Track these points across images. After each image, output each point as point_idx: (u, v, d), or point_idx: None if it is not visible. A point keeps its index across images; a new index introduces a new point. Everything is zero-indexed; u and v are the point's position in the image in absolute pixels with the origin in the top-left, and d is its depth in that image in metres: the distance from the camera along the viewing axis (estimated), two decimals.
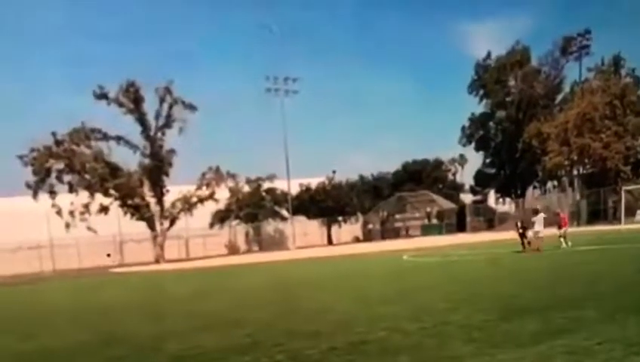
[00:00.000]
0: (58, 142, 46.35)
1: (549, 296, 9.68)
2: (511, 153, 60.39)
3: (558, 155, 48.44)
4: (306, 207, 59.49)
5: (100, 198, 47.03)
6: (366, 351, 6.48)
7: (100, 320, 12.01)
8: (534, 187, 65.83)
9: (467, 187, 70.94)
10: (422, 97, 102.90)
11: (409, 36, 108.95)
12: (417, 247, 32.95)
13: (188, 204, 50.25)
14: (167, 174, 49.86)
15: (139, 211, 48.92)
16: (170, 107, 48.76)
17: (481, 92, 63.72)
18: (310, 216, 60.68)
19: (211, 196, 51.32)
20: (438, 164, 69.61)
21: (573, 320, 7.07)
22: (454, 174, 75.46)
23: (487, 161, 66.23)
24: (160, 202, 49.61)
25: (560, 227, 22.43)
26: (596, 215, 48.58)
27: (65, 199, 46.11)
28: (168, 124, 49.06)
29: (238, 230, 59.49)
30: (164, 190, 49.85)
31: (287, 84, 55.11)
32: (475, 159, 68.53)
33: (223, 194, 53.01)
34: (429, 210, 63.89)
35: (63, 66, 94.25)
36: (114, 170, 47.71)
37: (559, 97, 61.84)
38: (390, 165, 71.32)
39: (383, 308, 9.77)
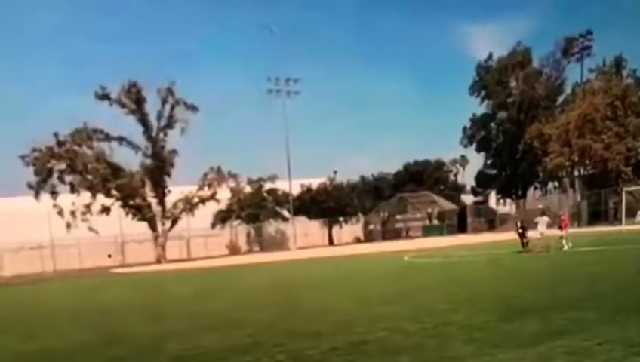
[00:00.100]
0: (60, 143, 46.43)
1: (549, 296, 9.68)
2: (512, 154, 60.35)
3: (559, 156, 48.39)
4: (307, 207, 59.51)
5: (101, 199, 47.10)
6: (367, 352, 6.49)
7: (101, 321, 12.02)
8: (535, 188, 65.79)
9: (468, 188, 70.95)
10: (423, 98, 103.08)
11: (410, 37, 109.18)
12: (418, 248, 32.93)
13: (189, 205, 50.31)
14: (168, 175, 49.94)
15: (140, 211, 48.97)
16: (172, 108, 48.90)
17: (483, 93, 63.72)
18: (311, 216, 60.70)
19: (213, 196, 51.39)
20: (440, 164, 69.61)
21: (574, 321, 7.07)
22: (455, 175, 75.58)
23: (489, 161, 66.20)
24: (161, 202, 49.68)
25: (561, 228, 22.49)
26: (597, 216, 48.54)
27: (66, 199, 46.18)
28: (170, 124, 49.18)
29: (240, 230, 59.53)
30: (165, 190, 49.93)
31: (288, 85, 55.23)
32: (476, 160, 68.64)
33: (224, 194, 53.07)
34: (430, 210, 63.88)
35: (63, 66, 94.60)
36: (116, 170, 47.78)
37: (560, 98, 61.84)
38: (391, 166, 71.53)
39: (384, 308, 9.78)
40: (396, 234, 61.91)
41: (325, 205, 59.60)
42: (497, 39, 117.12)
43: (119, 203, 48.26)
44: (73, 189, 47.13)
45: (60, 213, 45.71)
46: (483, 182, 66.96)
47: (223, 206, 54.58)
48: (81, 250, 49.56)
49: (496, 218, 61.26)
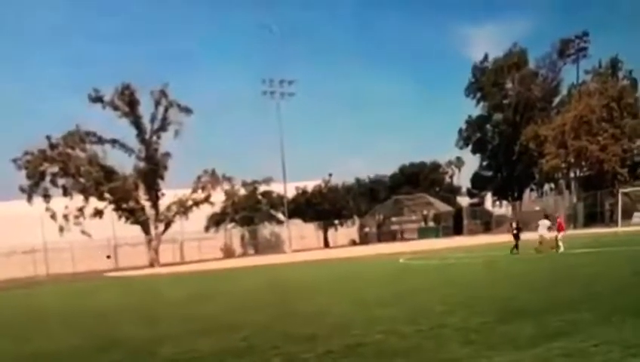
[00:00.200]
0: (52, 146, 46.17)
1: (545, 298, 9.67)
2: (508, 156, 60.47)
3: (555, 158, 48.49)
4: (302, 210, 59.42)
5: (94, 202, 46.87)
6: (363, 354, 6.45)
7: (95, 324, 11.92)
8: (531, 190, 65.93)
9: (464, 190, 70.95)
10: (419, 100, 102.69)
11: (408, 39, 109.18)
12: (414, 250, 32.93)
13: (183, 208, 50.08)
14: (162, 177, 49.75)
15: (133, 215, 48.73)
16: (166, 110, 48.68)
17: (479, 94, 63.72)
18: (306, 219, 60.62)
19: (207, 199, 51.17)
20: (435, 166, 69.62)
21: (570, 323, 7.05)
22: (451, 177, 75.37)
23: (484, 163, 66.27)
24: (155, 205, 49.45)
25: (558, 231, 22.62)
26: (593, 217, 48.66)
27: (59, 203, 45.93)
28: (164, 127, 48.95)
29: (234, 233, 59.38)
30: (159, 193, 49.71)
31: (282, 87, 55.13)
32: (472, 162, 68.67)
33: (218, 197, 52.88)
34: (425, 212, 63.97)
35: (63, 67, 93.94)
36: (109, 173, 47.53)
37: (556, 100, 61.89)
38: (387, 168, 71.26)
39: (380, 310, 9.74)
40: (392, 237, 61.94)
41: (320, 208, 59.54)
42: (493, 40, 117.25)
43: (112, 206, 48.01)
44: (66, 193, 46.87)
45: (53, 216, 45.47)
46: (479, 183, 67.05)
47: (217, 209, 54.44)
48: (74, 253, 49.35)
49: (492, 220, 61.36)
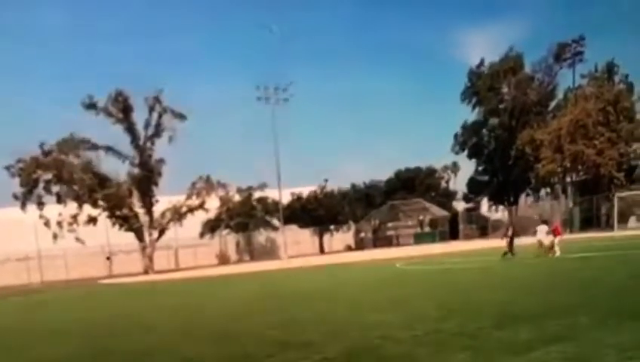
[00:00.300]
0: (45, 153, 45.94)
1: (542, 302, 9.65)
2: (504, 160, 60.51)
3: (551, 162, 48.53)
4: (297, 215, 59.31)
5: (88, 209, 46.55)
6: (359, 360, 6.42)
7: (90, 332, 11.81)
8: (527, 194, 65.93)
9: (460, 195, 70.95)
10: (415, 105, 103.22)
11: (407, 40, 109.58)
12: (410, 255, 32.89)
13: (178, 214, 49.79)
14: (156, 184, 49.46)
15: (127, 222, 48.46)
16: (160, 116, 48.38)
17: (474, 99, 63.81)
18: (302, 225, 60.50)
19: (201, 206, 50.94)
20: (431, 171, 69.65)
21: (567, 327, 7.04)
22: (447, 182, 75.41)
23: (480, 168, 66.31)
24: (149, 212, 49.17)
25: (554, 235, 22.66)
26: (589, 222, 48.65)
27: (53, 210, 45.63)
28: (158, 133, 48.65)
29: (229, 240, 59.20)
30: (153, 200, 49.44)
31: (277, 94, 54.95)
32: (468, 167, 68.59)
33: (213, 203, 52.66)
34: (421, 218, 63.94)
35: (62, 67, 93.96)
36: (103, 180, 47.26)
37: (552, 104, 61.91)
38: (383, 173, 71.47)
39: (376, 316, 9.69)
40: (388, 242, 61.85)
41: (316, 213, 59.46)
42: (489, 45, 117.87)
43: (106, 213, 47.67)
44: (60, 200, 46.54)
45: (47, 223, 45.15)
46: (475, 188, 67.08)
47: (212, 215, 54.21)
48: (68, 260, 49.08)
49: (489, 225, 61.32)
